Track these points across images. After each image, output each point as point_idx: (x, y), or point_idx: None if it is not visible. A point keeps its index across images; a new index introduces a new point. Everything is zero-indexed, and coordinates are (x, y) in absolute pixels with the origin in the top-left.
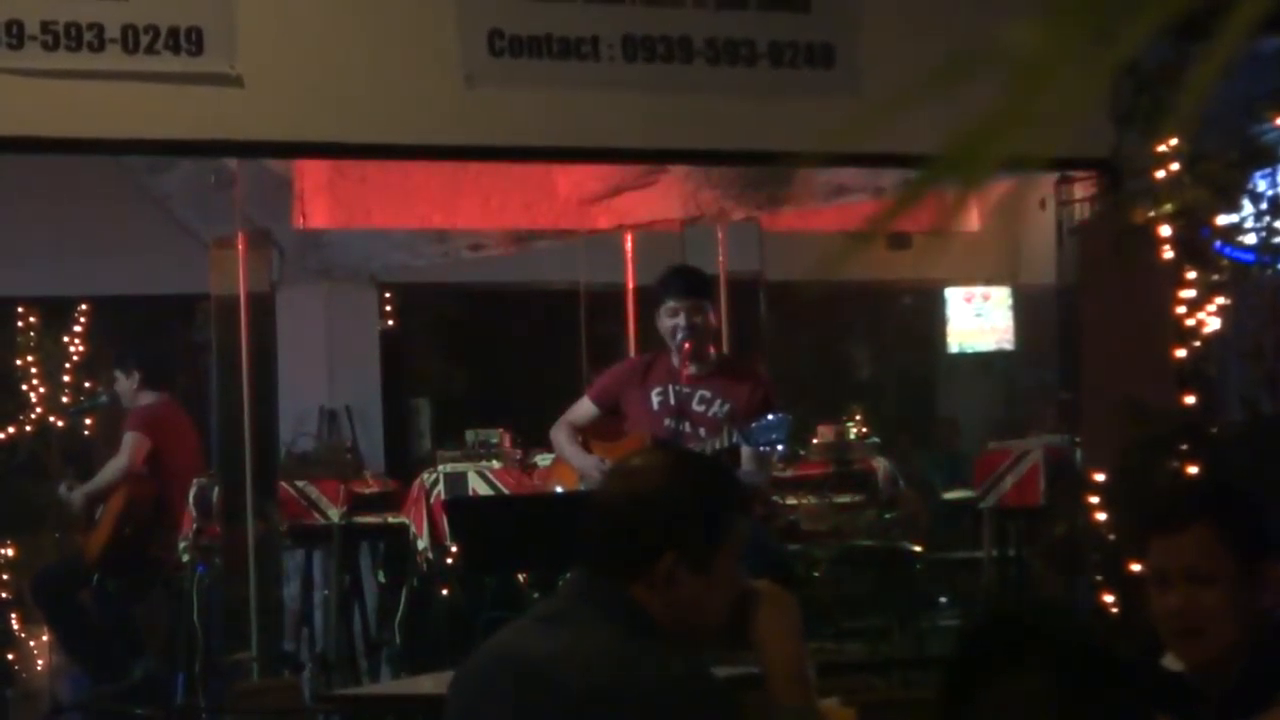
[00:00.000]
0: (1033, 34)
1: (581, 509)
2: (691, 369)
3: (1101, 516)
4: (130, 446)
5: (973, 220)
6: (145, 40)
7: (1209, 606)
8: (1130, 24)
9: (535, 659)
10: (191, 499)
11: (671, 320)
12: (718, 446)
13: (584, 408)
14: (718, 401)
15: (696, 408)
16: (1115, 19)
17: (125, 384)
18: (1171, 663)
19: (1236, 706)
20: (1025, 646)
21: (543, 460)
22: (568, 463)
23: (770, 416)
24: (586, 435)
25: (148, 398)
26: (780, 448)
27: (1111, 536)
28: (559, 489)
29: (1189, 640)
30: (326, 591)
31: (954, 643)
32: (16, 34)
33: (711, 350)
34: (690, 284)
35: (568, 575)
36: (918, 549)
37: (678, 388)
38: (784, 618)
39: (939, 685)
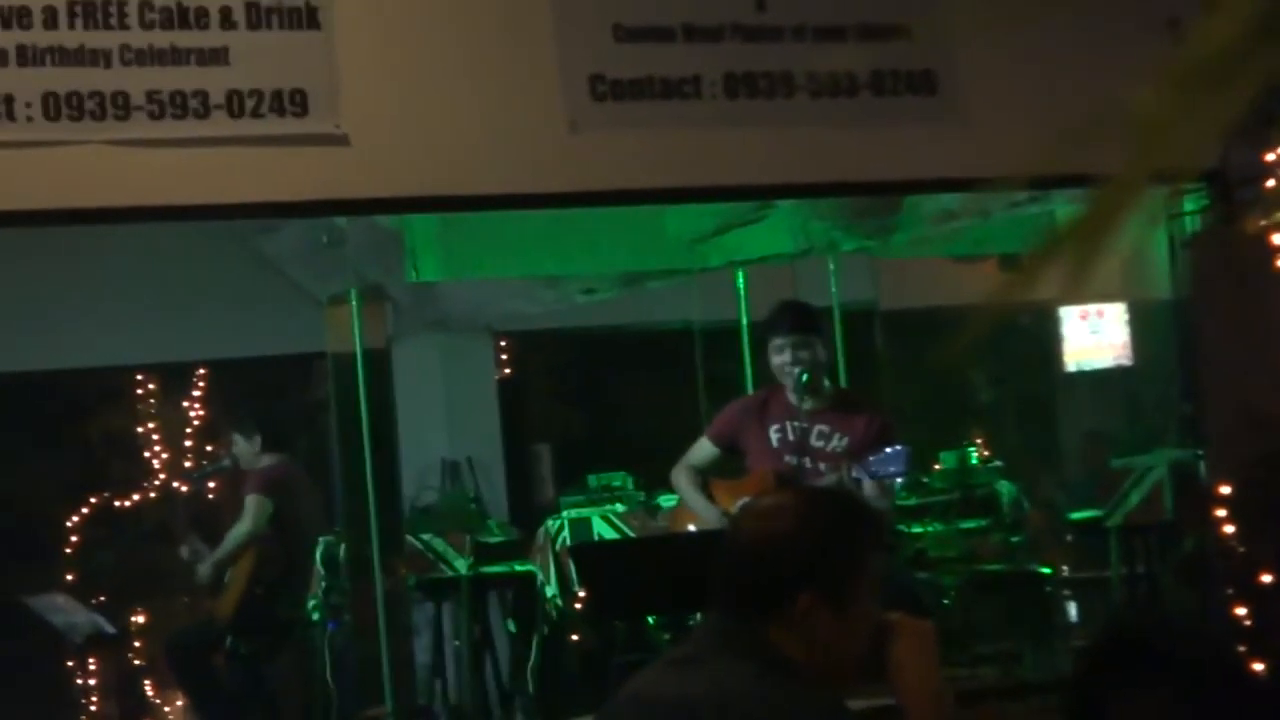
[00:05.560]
0: (1153, 98)
1: (709, 549)
2: (808, 403)
3: (1230, 529)
4: (253, 510)
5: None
6: (250, 104)
7: None
8: (1237, 87)
9: (672, 701)
10: (319, 557)
11: (779, 357)
12: (838, 482)
13: (703, 449)
14: (836, 435)
15: (816, 443)
16: (1224, 83)
17: (245, 447)
18: None
19: None
20: (1147, 666)
21: (666, 501)
22: (689, 508)
23: (889, 449)
24: (708, 476)
25: (267, 460)
26: (899, 480)
27: (1241, 549)
28: (689, 528)
29: None
30: (458, 643)
31: (1076, 665)
32: (123, 104)
33: (826, 384)
34: (795, 320)
35: (700, 617)
36: (1047, 571)
37: (796, 423)
38: (921, 649)
39: (1063, 708)
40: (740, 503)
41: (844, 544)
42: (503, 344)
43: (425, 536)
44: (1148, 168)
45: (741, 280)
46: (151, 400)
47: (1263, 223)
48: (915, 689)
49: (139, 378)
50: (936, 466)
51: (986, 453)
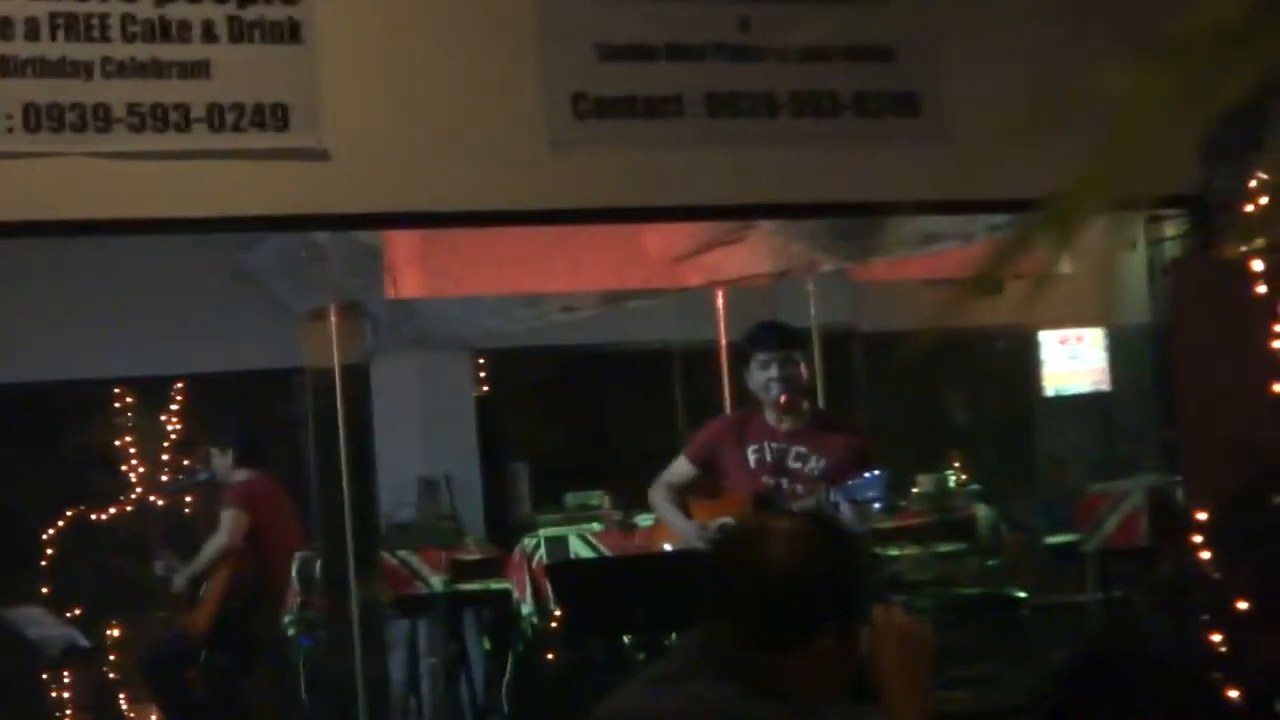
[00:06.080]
0: (1132, 80)
1: (686, 569)
2: (786, 424)
3: (1206, 555)
4: (229, 524)
5: (1064, 262)
6: (231, 118)
7: None
8: (1231, 73)
9: (649, 719)
10: (295, 573)
11: (763, 373)
12: (816, 505)
13: (681, 468)
14: (814, 457)
15: (793, 464)
16: (1215, 67)
17: (221, 461)
18: None
19: None
20: (1120, 690)
21: (643, 520)
22: (668, 525)
23: (867, 474)
24: (685, 495)
25: (244, 474)
26: (877, 505)
27: (1218, 575)
28: (666, 547)
29: None
30: (433, 660)
31: (1047, 688)
32: (104, 117)
33: (805, 404)
34: (780, 337)
35: (681, 636)
36: (1022, 595)
37: (774, 444)
38: (912, 652)
39: None
40: (719, 522)
41: (860, 575)
42: (481, 361)
43: (401, 553)
44: (1123, 151)
45: (721, 300)
46: (129, 413)
47: (1242, 248)
48: (899, 692)
49: (117, 391)
50: (914, 489)
51: (964, 476)
